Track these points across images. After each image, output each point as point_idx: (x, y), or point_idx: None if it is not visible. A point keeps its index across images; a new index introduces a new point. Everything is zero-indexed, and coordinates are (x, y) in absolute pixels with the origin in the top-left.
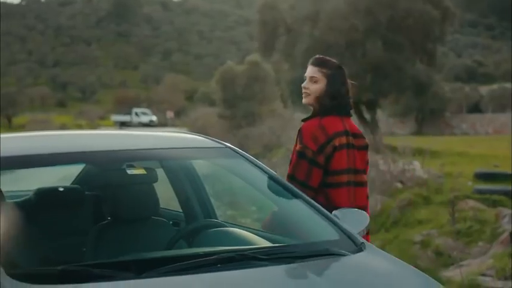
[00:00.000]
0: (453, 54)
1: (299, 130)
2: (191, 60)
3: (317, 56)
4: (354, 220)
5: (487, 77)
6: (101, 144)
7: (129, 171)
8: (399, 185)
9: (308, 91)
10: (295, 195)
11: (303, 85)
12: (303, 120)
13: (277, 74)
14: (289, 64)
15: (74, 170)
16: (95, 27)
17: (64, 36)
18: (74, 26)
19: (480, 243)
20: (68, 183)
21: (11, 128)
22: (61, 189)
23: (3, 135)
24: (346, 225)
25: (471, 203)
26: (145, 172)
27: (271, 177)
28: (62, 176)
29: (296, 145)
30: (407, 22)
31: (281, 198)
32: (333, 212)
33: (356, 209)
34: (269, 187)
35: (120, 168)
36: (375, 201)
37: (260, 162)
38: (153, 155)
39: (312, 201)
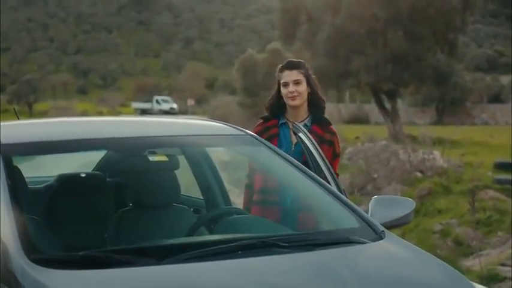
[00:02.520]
0: (474, 44)
1: (333, 132)
2: (212, 48)
3: (289, 60)
4: (398, 207)
5: (508, 67)
6: (123, 130)
7: (151, 158)
8: (419, 175)
9: (296, 94)
10: (316, 183)
11: (289, 90)
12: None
13: None
14: (310, 52)
15: (93, 157)
16: (116, 14)
17: (85, 23)
18: (95, 13)
19: (499, 233)
20: (83, 170)
21: (32, 115)
22: (83, 175)
23: (25, 121)
24: (382, 212)
25: (491, 193)
26: (167, 159)
27: (292, 165)
28: (82, 163)
29: (333, 147)
30: (428, 12)
31: (302, 185)
32: (374, 198)
33: (401, 197)
34: (290, 175)
35: (142, 155)
36: (395, 190)
37: (281, 150)
38: (174, 142)
39: (333, 189)
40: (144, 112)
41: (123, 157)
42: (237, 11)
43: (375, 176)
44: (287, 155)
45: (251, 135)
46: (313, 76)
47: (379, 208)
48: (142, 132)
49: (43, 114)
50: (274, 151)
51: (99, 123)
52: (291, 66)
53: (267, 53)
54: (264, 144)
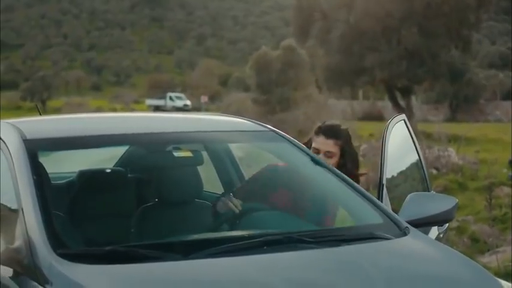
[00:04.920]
0: (487, 41)
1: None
2: (225, 45)
3: (329, 124)
4: (436, 204)
5: None
6: (147, 126)
7: (176, 154)
8: (434, 171)
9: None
10: (340, 179)
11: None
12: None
13: (312, 59)
14: (324, 50)
15: (110, 153)
16: (129, 11)
17: (98, 20)
18: (108, 10)
19: None
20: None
21: (45, 111)
22: (106, 171)
23: (48, 117)
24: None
25: (506, 189)
26: (191, 155)
27: (315, 161)
28: (98, 159)
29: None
30: (443, 9)
31: (326, 181)
32: (411, 195)
33: (441, 194)
34: (314, 171)
35: (166, 151)
36: (411, 187)
37: (304, 146)
38: (197, 138)
39: (357, 185)
40: (157, 109)
41: (146, 153)
42: (250, 8)
43: None
44: (311, 151)
45: (274, 131)
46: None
47: (414, 205)
48: (165, 128)
49: (57, 110)
50: (298, 147)
51: (122, 118)
52: (329, 134)
53: (281, 50)
54: (288, 140)
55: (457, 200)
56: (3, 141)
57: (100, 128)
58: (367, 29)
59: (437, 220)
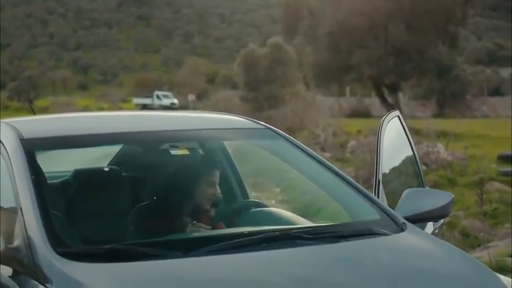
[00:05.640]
0: (474, 37)
1: None
2: (212, 43)
3: None
4: (432, 199)
5: (508, 59)
6: (142, 125)
7: (173, 152)
8: (424, 167)
9: None
10: (336, 175)
11: None
12: None
13: (300, 56)
14: (312, 47)
15: (102, 152)
16: (116, 10)
17: (85, 19)
18: (95, 9)
19: (506, 225)
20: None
21: (33, 111)
22: (101, 170)
23: (43, 117)
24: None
25: (496, 185)
26: (188, 153)
27: (312, 158)
28: (90, 158)
29: None
30: (430, 5)
31: (323, 178)
32: (407, 191)
33: (437, 190)
34: (311, 168)
35: (162, 149)
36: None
37: (301, 143)
38: (192, 136)
39: (353, 181)
40: (144, 107)
41: (142, 151)
42: (236, 5)
43: None
44: (307, 148)
45: (270, 128)
46: None
47: (410, 200)
48: (161, 126)
49: (44, 110)
50: (294, 144)
51: (118, 117)
52: None
53: (268, 47)
54: (284, 137)
55: (453, 195)
56: (0, 141)
57: (96, 126)
58: (354, 26)
59: (434, 216)
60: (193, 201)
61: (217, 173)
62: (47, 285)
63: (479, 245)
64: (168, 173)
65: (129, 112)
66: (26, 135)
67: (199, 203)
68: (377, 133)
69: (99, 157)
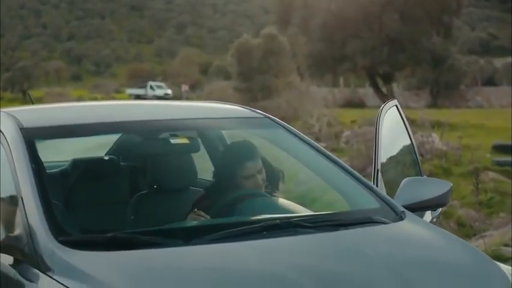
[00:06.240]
0: (467, 27)
1: None
2: (205, 33)
3: None
4: (431, 188)
5: (501, 50)
6: (141, 114)
7: (173, 141)
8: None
9: None
10: (335, 164)
11: None
12: None
13: (293, 47)
14: (305, 37)
15: (96, 142)
16: (109, 0)
17: (78, 9)
18: None
19: (502, 214)
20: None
21: (26, 101)
22: (99, 159)
23: (42, 106)
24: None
25: (491, 174)
26: (188, 142)
27: (311, 147)
28: (85, 148)
29: None
30: None
31: (321, 166)
32: (406, 180)
33: (436, 178)
34: (310, 156)
35: (161, 138)
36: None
37: (300, 132)
38: (191, 125)
39: (353, 170)
40: (138, 98)
41: (141, 140)
42: None
43: None
44: (306, 137)
45: (269, 117)
46: None
47: (409, 189)
48: (160, 115)
49: (38, 101)
50: (293, 133)
51: (117, 106)
52: None
53: (262, 37)
54: (283, 126)
55: (452, 184)
56: (0, 130)
57: (96, 116)
58: (348, 16)
59: (432, 204)
60: (193, 189)
61: None
62: (49, 273)
63: (474, 235)
64: (168, 162)
65: (128, 101)
66: (25, 125)
67: (198, 191)
68: (375, 122)
69: (94, 147)
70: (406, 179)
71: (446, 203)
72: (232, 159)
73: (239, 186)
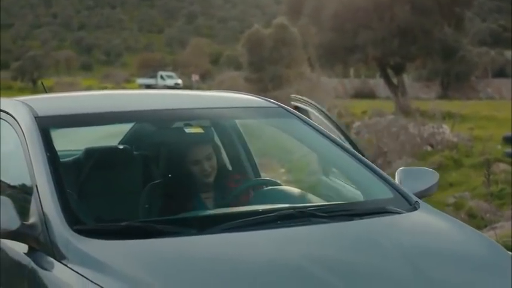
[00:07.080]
0: (478, 19)
1: None
2: (215, 23)
3: None
4: (423, 179)
5: None
6: (155, 103)
7: (187, 130)
8: (429, 148)
9: None
10: (349, 154)
11: None
12: None
13: (304, 37)
14: (316, 28)
15: (107, 132)
16: None
17: None
18: None
19: None
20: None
21: (36, 91)
22: (112, 148)
23: (56, 95)
24: (407, 184)
25: (502, 166)
26: (202, 131)
27: (325, 137)
28: (96, 137)
29: None
30: None
31: (335, 156)
32: (401, 170)
33: (425, 168)
34: (323, 146)
35: (175, 127)
36: (406, 164)
37: (313, 122)
38: (205, 115)
39: (367, 160)
40: (148, 88)
41: (155, 129)
42: None
43: (386, 150)
44: (320, 127)
45: (283, 107)
46: None
47: (408, 179)
48: (174, 104)
49: (48, 90)
50: (307, 123)
51: (131, 96)
52: None
53: (273, 28)
54: (296, 116)
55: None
56: (15, 119)
57: (110, 105)
58: (359, 7)
59: (422, 196)
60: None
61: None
62: (63, 261)
63: (485, 226)
64: (181, 151)
65: (141, 91)
66: (40, 113)
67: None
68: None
69: (104, 136)
70: (401, 169)
71: (433, 193)
72: (185, 144)
73: (187, 172)
